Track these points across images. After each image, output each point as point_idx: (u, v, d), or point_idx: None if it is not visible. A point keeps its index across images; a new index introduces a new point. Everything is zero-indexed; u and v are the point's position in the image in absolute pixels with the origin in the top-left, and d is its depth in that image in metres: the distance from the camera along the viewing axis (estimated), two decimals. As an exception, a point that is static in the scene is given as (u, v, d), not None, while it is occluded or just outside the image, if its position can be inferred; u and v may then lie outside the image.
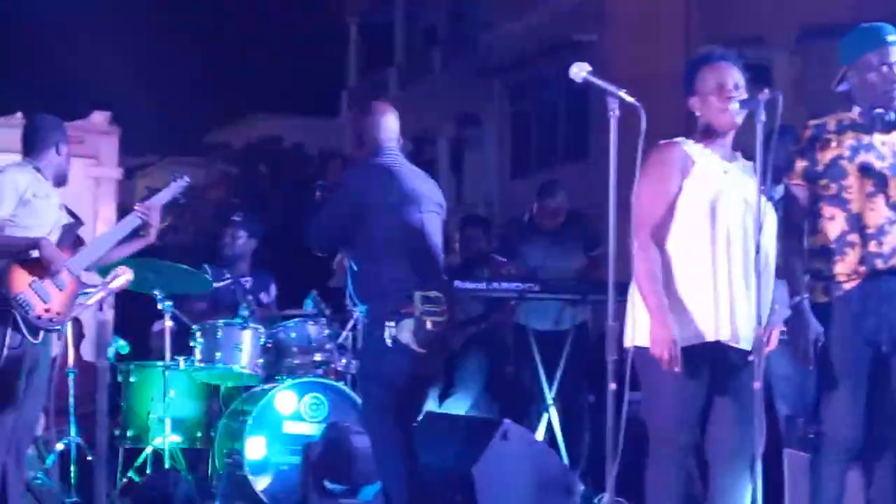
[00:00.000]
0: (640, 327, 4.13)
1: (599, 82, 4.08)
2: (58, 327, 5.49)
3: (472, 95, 22.59)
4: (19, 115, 9.20)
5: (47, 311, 5.36)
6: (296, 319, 6.98)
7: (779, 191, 4.79)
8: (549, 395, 6.88)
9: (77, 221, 5.79)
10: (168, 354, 6.64)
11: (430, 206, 5.28)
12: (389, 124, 5.33)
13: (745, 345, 4.07)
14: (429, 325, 4.85)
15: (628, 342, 4.16)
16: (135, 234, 5.82)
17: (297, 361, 6.84)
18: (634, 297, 4.15)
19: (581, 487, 5.73)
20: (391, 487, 5.07)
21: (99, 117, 9.54)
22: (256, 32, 26.88)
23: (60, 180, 5.74)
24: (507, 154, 21.83)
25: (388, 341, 4.93)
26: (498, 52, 21.48)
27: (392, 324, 4.91)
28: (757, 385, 3.88)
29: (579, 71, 4.09)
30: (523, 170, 21.01)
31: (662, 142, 4.26)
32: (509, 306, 7.39)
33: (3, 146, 8.57)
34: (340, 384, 6.68)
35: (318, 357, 6.83)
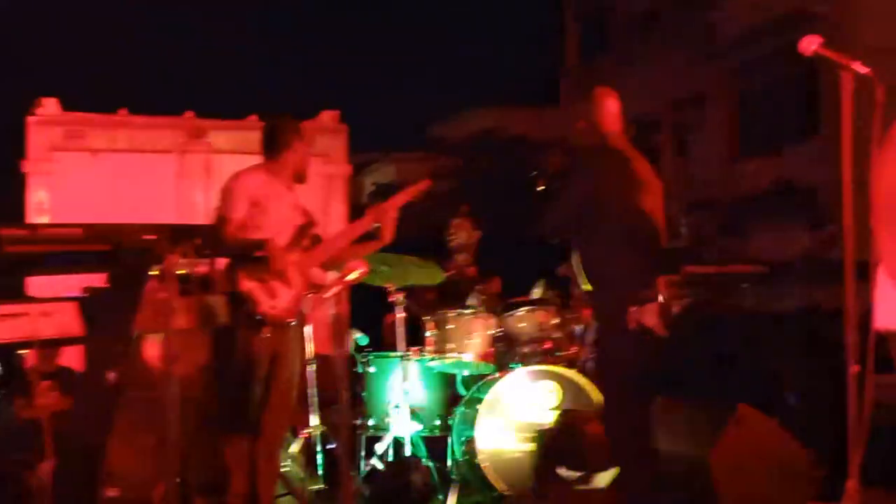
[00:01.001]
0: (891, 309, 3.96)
1: (831, 55, 3.95)
2: (286, 323, 5.68)
3: (695, 77, 22.15)
4: (254, 117, 9.57)
5: (273, 307, 5.57)
6: (525, 308, 7.03)
7: None
8: (785, 379, 6.73)
9: (311, 222, 5.97)
10: (402, 345, 6.78)
11: (657, 190, 5.27)
12: (611, 109, 5.33)
13: None
14: (674, 310, 4.82)
15: (879, 324, 4.00)
16: (368, 234, 5.97)
17: (527, 349, 6.89)
18: (881, 279, 3.98)
19: (822, 473, 5.56)
20: (630, 472, 5.06)
21: (327, 116, 9.82)
22: (474, 24, 27.14)
23: (299, 178, 5.93)
24: (734, 135, 21.33)
25: (631, 325, 4.92)
26: (722, 31, 20.99)
27: (635, 308, 4.90)
28: None
29: (809, 44, 3.98)
30: (751, 150, 20.52)
31: None
32: (738, 289, 7.26)
33: (239, 148, 8.96)
34: (572, 371, 6.69)
35: (548, 345, 6.86)
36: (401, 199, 6.06)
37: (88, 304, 4.54)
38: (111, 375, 4.58)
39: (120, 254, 4.43)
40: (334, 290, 4.47)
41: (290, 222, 5.83)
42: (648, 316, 4.90)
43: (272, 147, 5.90)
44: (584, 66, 26.81)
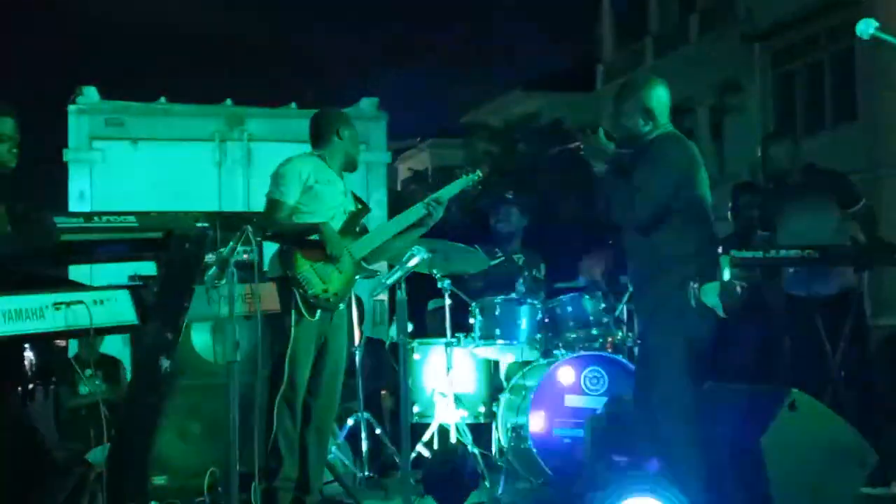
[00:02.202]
0: None
1: (890, 39, 3.92)
2: (336, 308, 5.68)
3: (732, 62, 22.03)
4: (293, 105, 9.58)
5: (325, 291, 5.57)
6: (571, 294, 7.00)
7: None
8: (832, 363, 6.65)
9: (364, 208, 5.98)
10: (448, 332, 6.78)
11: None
12: (663, 97, 5.30)
13: None
14: (738, 290, 4.75)
15: None
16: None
17: (574, 335, 6.87)
18: None
19: (875, 458, 5.50)
20: (681, 450, 4.98)
21: (367, 104, 9.81)
22: (508, 9, 27.03)
23: (349, 166, 5.95)
24: (771, 120, 21.21)
25: (693, 302, 4.85)
26: (760, 16, 20.87)
27: (696, 285, 4.84)
28: None
29: (867, 27, 3.94)
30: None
31: None
32: (780, 273, 7.17)
33: (278, 136, 8.98)
34: (619, 357, 6.66)
35: (594, 331, 6.84)
36: (452, 190, 6.01)
37: (141, 292, 4.53)
38: (165, 363, 4.56)
39: (172, 241, 4.42)
40: (397, 275, 4.43)
41: (342, 208, 5.83)
42: (710, 295, 4.83)
43: (319, 138, 5.91)
44: (621, 50, 26.68)
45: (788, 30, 19.81)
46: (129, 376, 8.36)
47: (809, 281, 6.91)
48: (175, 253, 4.46)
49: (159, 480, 6.13)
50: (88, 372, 8.50)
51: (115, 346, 8.49)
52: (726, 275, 4.82)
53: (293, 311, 5.55)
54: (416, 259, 4.38)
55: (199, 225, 4.50)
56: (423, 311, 8.01)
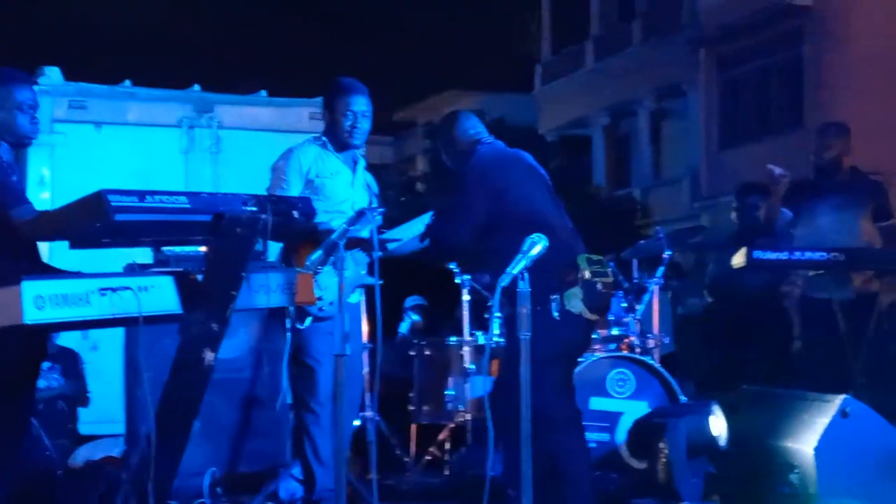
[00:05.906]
0: None
1: None
2: (328, 318, 5.31)
3: (675, 66, 22.02)
4: (263, 93, 9.24)
5: (319, 298, 5.13)
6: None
7: None
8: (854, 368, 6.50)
9: (377, 206, 5.58)
10: (467, 329, 6.50)
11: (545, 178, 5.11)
12: (473, 122, 5.16)
13: None
14: (600, 287, 4.52)
15: None
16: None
17: (595, 336, 6.61)
18: None
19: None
20: (573, 469, 4.83)
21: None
22: (447, 7, 26.81)
23: (345, 139, 5.35)
24: (715, 124, 21.25)
25: (556, 314, 4.62)
26: (705, 21, 20.90)
27: (556, 297, 4.61)
28: None
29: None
30: (733, 140, 20.46)
31: None
32: (797, 276, 7.02)
33: (248, 125, 8.64)
34: (648, 358, 6.42)
35: (615, 331, 6.60)
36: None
37: (185, 279, 4.19)
38: (209, 357, 4.21)
39: (223, 225, 4.09)
40: (521, 265, 4.10)
41: (348, 203, 5.30)
42: (573, 300, 4.59)
43: (323, 121, 5.45)
44: (561, 51, 26.59)
45: (736, 35, 19.84)
46: (87, 371, 8.02)
47: (830, 283, 6.75)
48: (225, 237, 4.13)
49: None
50: (47, 365, 8.10)
51: (73, 340, 8.11)
52: (586, 275, 4.58)
53: (290, 317, 5.16)
54: (538, 247, 4.06)
55: (249, 208, 4.18)
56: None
